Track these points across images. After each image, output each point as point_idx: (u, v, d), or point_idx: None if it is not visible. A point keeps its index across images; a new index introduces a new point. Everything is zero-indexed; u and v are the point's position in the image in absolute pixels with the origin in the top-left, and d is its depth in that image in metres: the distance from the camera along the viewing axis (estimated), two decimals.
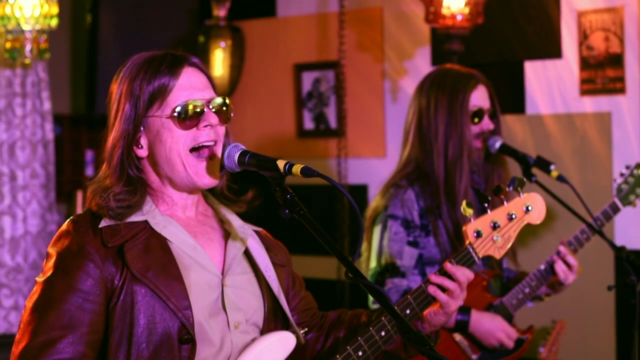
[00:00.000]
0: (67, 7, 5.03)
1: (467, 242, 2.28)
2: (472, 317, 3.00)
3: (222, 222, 2.17)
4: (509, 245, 2.34)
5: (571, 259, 3.09)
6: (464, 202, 2.27)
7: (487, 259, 3.16)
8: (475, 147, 3.10)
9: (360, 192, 4.78)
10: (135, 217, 2.03)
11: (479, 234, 2.28)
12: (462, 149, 3.05)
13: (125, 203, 2.01)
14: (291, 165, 1.90)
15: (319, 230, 1.87)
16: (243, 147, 2.02)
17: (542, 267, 3.13)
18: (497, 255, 2.32)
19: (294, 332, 2.13)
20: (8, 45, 4.07)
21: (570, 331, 3.63)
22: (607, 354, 4.16)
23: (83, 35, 4.96)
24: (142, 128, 2.04)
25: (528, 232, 4.20)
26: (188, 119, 2.02)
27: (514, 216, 2.32)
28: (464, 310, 3.00)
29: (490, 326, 3.02)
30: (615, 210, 3.24)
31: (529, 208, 2.35)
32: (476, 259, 2.27)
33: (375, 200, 3.14)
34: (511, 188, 2.37)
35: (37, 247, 4.60)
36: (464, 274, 2.22)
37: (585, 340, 4.18)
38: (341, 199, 4.77)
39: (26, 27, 4.00)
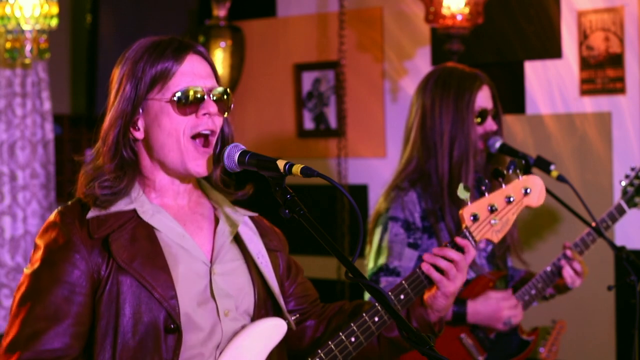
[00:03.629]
0: (67, 7, 5.03)
1: (463, 225, 2.27)
2: (469, 307, 2.99)
3: (215, 209, 2.16)
4: (508, 228, 2.32)
5: (577, 266, 3.09)
6: (460, 185, 2.26)
7: (493, 259, 3.16)
8: (479, 148, 3.10)
9: (360, 192, 4.78)
10: (124, 206, 2.03)
11: (475, 218, 2.27)
12: (467, 149, 3.03)
13: (110, 190, 2.01)
14: (291, 165, 1.90)
15: (319, 230, 1.87)
16: (243, 147, 2.02)
17: (548, 268, 3.13)
18: (495, 239, 2.31)
19: (285, 319, 2.12)
20: (8, 45, 4.07)
21: (570, 331, 3.63)
22: (607, 354, 4.16)
23: (83, 35, 4.96)
24: (140, 110, 2.04)
25: (532, 234, 4.21)
26: (187, 104, 2.02)
27: (512, 199, 2.30)
28: (460, 302, 2.99)
29: (488, 309, 3.00)
30: (621, 212, 3.24)
31: (528, 190, 2.33)
32: (473, 243, 2.26)
33: (378, 203, 3.13)
34: (510, 171, 2.35)
35: None
36: (452, 254, 2.20)
37: (585, 340, 4.18)
38: (341, 199, 4.77)
39: (26, 27, 4.00)
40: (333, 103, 4.90)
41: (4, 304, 4.50)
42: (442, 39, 4.09)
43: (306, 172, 1.87)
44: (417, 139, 3.09)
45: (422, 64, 4.61)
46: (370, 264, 3.06)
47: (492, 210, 2.28)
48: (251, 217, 2.22)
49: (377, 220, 3.09)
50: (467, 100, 3.05)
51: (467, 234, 2.26)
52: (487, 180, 2.31)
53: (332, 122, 4.91)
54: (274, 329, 2.09)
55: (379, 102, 4.78)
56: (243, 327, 2.07)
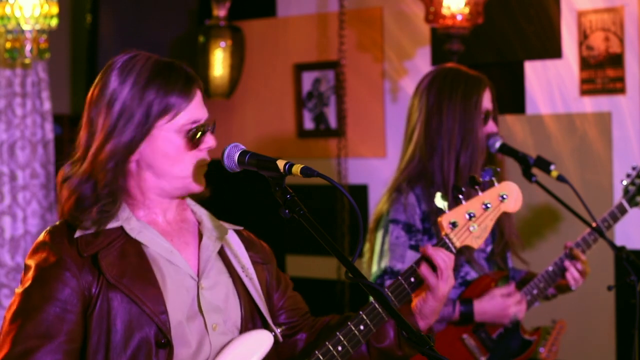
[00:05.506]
0: (67, 7, 5.03)
1: (442, 233, 2.28)
2: (475, 305, 3.00)
3: (199, 224, 2.18)
4: (487, 235, 2.34)
5: (580, 266, 3.10)
6: (437, 194, 2.28)
7: (492, 259, 3.16)
8: (484, 148, 3.11)
9: (360, 192, 4.78)
10: (111, 224, 2.05)
11: (454, 225, 2.28)
12: (475, 150, 3.04)
13: (102, 215, 2.02)
14: (291, 165, 1.90)
15: (319, 230, 1.87)
16: (243, 147, 2.02)
17: (550, 268, 3.13)
18: (475, 245, 2.32)
19: (272, 331, 2.13)
20: (8, 45, 4.07)
21: (570, 331, 3.63)
22: (607, 354, 4.15)
23: (83, 35, 4.96)
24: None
25: (533, 233, 4.21)
26: (195, 140, 2.07)
27: (489, 205, 2.32)
28: (466, 301, 3.00)
29: (495, 307, 3.01)
30: (623, 211, 3.24)
31: (504, 197, 2.35)
32: (453, 249, 2.27)
33: (379, 203, 3.13)
34: (486, 179, 2.37)
35: None
36: (444, 255, 2.21)
37: (585, 340, 4.18)
38: (341, 199, 4.77)
39: (26, 27, 3.99)
40: (333, 103, 4.90)
41: (3, 304, 4.50)
42: (442, 39, 4.09)
43: (306, 172, 1.88)
44: (420, 138, 3.08)
45: (422, 64, 4.61)
46: (373, 267, 3.06)
47: (470, 217, 2.30)
48: (237, 231, 2.23)
49: (379, 222, 3.09)
50: (474, 101, 3.06)
51: (447, 240, 2.27)
52: (463, 188, 2.32)
53: (332, 122, 4.91)
54: (260, 342, 2.10)
55: (379, 102, 4.78)
56: (230, 340, 2.08)
